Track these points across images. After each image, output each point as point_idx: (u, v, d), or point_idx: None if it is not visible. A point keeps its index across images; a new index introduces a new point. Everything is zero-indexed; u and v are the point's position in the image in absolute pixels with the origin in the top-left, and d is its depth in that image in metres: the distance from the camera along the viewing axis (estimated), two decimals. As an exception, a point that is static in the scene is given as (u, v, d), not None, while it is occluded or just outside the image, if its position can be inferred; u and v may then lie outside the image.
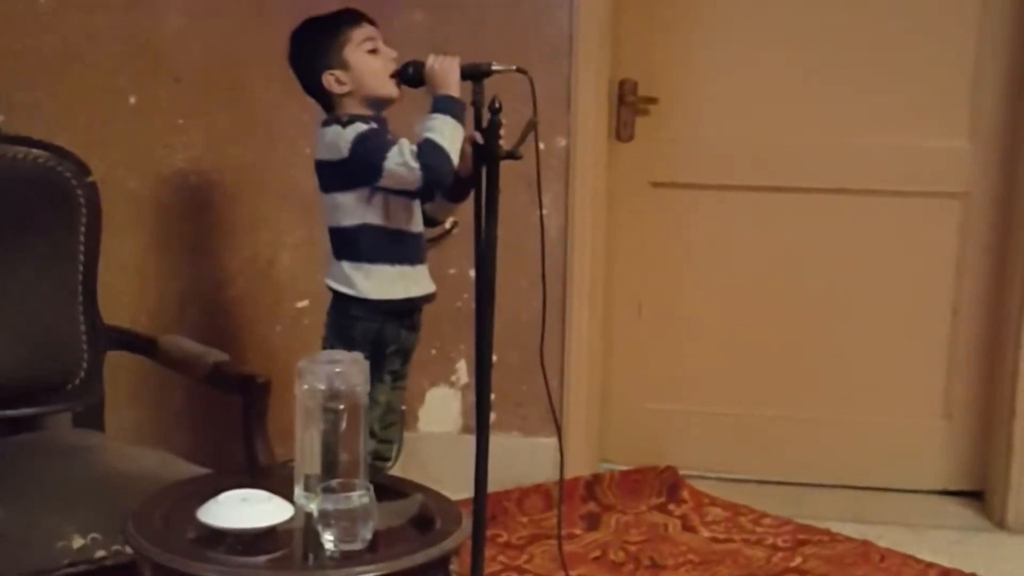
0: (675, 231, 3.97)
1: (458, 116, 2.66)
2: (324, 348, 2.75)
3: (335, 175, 2.73)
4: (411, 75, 2.73)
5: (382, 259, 2.77)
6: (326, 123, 2.75)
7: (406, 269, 2.80)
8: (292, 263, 3.53)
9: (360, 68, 2.75)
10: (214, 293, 3.47)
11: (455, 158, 2.64)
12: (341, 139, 2.68)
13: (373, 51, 2.77)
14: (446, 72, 2.68)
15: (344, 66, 2.75)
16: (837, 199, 3.86)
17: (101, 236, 2.85)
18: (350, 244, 2.76)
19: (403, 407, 2.98)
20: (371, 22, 2.80)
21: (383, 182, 2.66)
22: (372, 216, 2.74)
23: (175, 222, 3.35)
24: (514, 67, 2.62)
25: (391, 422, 2.91)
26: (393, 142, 2.64)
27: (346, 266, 2.77)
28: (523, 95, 2.59)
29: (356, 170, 2.68)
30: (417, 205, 2.82)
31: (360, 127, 2.68)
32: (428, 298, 2.87)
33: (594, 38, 3.70)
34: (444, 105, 2.66)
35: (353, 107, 2.76)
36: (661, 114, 3.88)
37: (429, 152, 2.60)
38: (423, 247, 2.86)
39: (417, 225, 2.83)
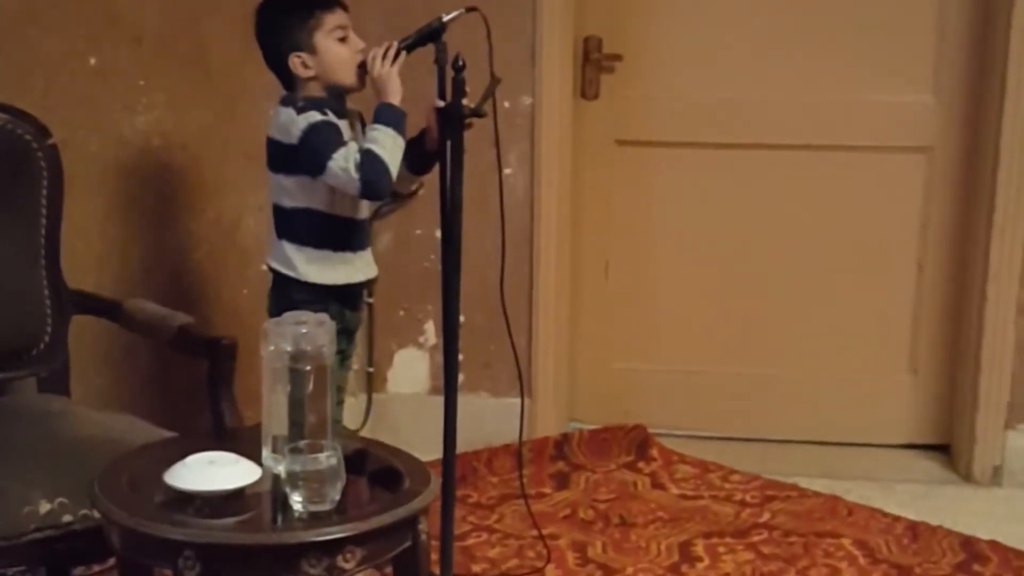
0: (641, 189, 3.96)
1: (399, 127, 2.69)
2: None
3: (283, 157, 2.74)
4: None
5: (324, 244, 2.79)
6: (284, 102, 2.75)
7: (348, 255, 2.83)
8: (257, 225, 3.50)
9: (328, 55, 2.74)
10: (179, 256, 3.45)
11: (394, 170, 2.68)
12: (294, 125, 2.68)
13: (342, 39, 2.75)
14: (386, 80, 2.69)
15: (312, 51, 2.74)
16: (802, 155, 3.86)
17: (63, 199, 2.82)
18: (292, 226, 2.78)
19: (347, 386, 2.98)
20: (344, 7, 2.78)
21: (324, 179, 2.68)
22: (316, 201, 2.76)
23: (138, 185, 3.32)
24: (463, 10, 2.59)
25: (338, 400, 2.89)
26: (342, 143, 2.66)
27: (287, 247, 2.79)
28: (487, 55, 2.56)
29: (303, 159, 2.70)
30: None
31: (314, 117, 2.68)
32: (371, 282, 2.91)
33: (558, -5, 3.68)
34: (386, 116, 2.69)
35: (314, 91, 2.76)
36: (626, 71, 3.87)
37: (369, 166, 2.64)
38: (368, 233, 2.90)
39: (362, 212, 2.85)
